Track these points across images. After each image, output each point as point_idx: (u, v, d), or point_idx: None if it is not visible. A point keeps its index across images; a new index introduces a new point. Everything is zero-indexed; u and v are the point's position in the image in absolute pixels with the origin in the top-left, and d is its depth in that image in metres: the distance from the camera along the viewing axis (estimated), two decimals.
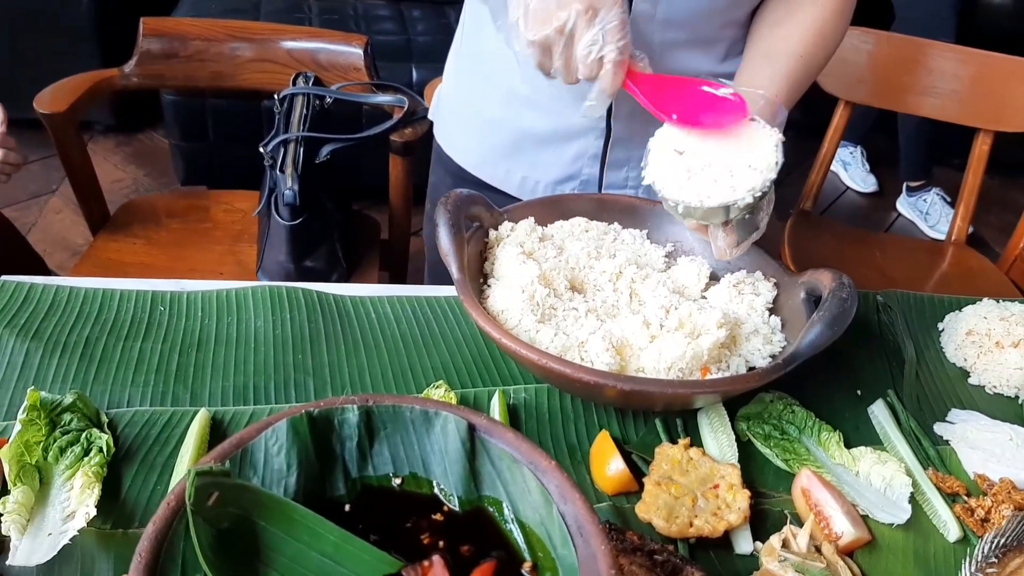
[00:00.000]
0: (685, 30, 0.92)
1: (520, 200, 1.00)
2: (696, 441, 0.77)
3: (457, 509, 0.51)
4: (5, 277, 0.87)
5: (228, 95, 2.02)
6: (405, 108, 1.57)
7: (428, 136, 1.58)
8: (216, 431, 0.72)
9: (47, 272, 1.74)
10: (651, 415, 0.81)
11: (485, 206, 0.91)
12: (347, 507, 0.50)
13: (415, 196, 1.70)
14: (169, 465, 0.69)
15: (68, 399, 0.70)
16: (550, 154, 1.03)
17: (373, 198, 2.06)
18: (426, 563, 0.47)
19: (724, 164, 0.76)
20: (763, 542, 0.69)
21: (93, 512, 0.62)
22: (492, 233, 0.90)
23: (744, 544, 0.70)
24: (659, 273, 0.89)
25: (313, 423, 0.50)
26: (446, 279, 0.81)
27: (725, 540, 0.70)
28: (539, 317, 0.79)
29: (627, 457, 0.74)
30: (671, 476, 0.72)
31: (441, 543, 0.48)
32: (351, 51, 1.68)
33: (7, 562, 0.60)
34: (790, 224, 1.87)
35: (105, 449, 0.67)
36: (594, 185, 1.03)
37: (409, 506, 0.51)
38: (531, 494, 0.50)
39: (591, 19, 0.73)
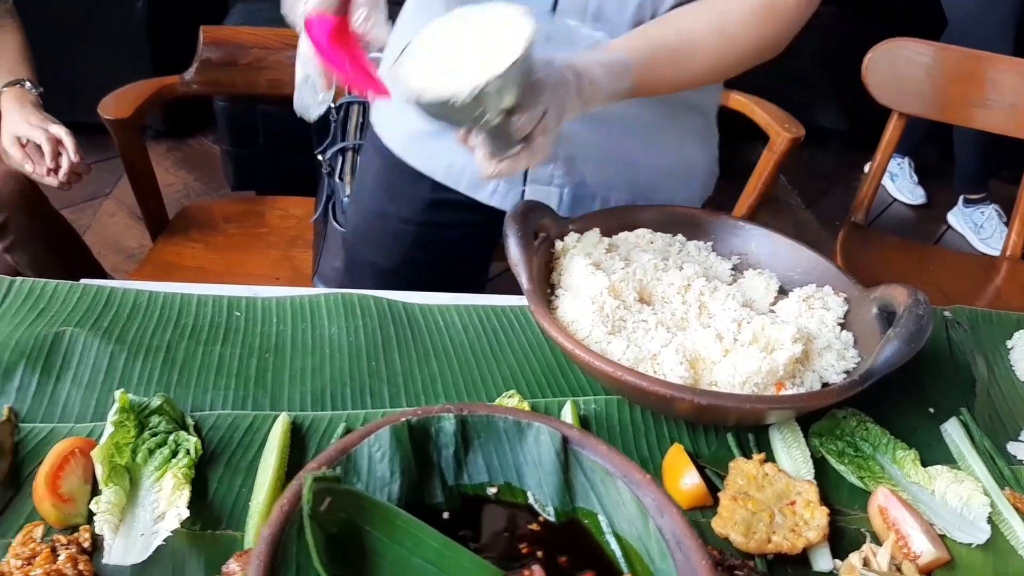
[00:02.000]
0: (611, 25, 0.89)
1: (449, 187, 1.02)
2: (769, 457, 0.77)
3: (553, 519, 0.51)
4: (85, 281, 0.89)
5: (279, 102, 2.05)
6: None
7: None
8: (296, 435, 0.74)
9: (103, 275, 1.78)
10: (722, 429, 0.80)
11: (552, 216, 0.91)
12: (445, 515, 0.51)
13: None
14: (253, 468, 0.70)
15: (155, 402, 0.72)
16: None
17: None
18: (526, 572, 0.47)
19: (471, 59, 0.70)
20: (841, 560, 0.69)
21: (186, 513, 0.63)
22: (558, 244, 0.91)
23: (823, 562, 0.69)
24: (727, 286, 0.89)
25: (411, 431, 0.51)
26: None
27: (803, 557, 0.69)
28: (610, 329, 0.80)
29: (700, 471, 0.74)
30: (747, 491, 0.72)
31: (539, 553, 0.49)
32: None
33: (103, 560, 0.62)
34: (842, 236, 1.85)
35: (193, 451, 0.69)
36: (519, 180, 1.02)
37: (505, 515, 0.51)
38: (626, 507, 0.50)
39: None
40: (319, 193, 1.54)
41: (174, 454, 0.69)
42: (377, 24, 0.73)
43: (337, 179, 1.41)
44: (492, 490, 0.52)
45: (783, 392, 0.76)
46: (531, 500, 0.52)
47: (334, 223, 1.44)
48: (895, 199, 3.05)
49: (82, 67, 2.59)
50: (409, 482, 0.50)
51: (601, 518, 0.51)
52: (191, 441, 0.69)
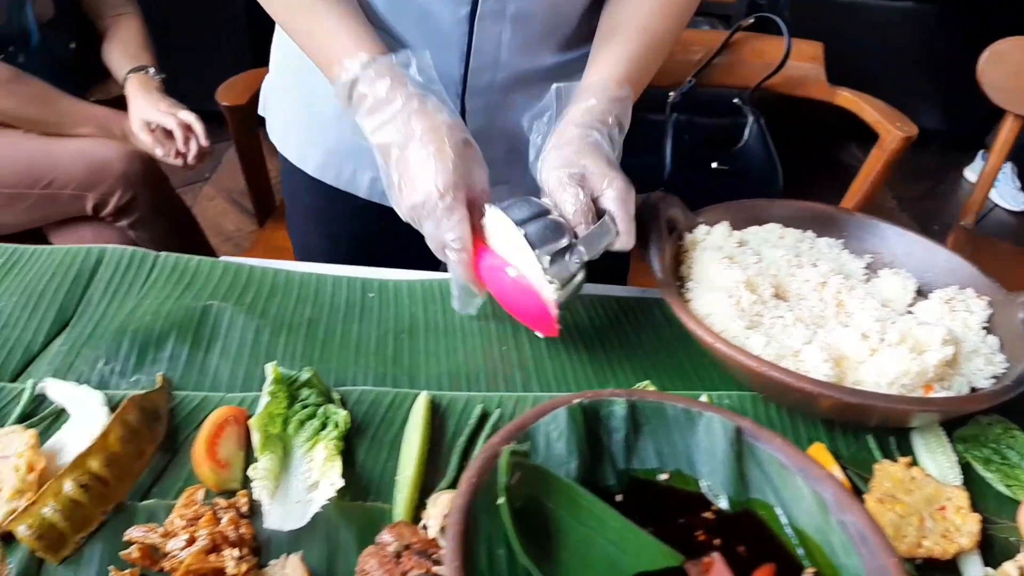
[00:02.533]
0: (538, 22, 0.89)
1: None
2: (913, 461, 0.75)
3: (727, 509, 0.51)
4: (225, 259, 0.93)
5: None
6: None
7: None
8: (434, 414, 0.75)
9: (214, 255, 1.84)
10: (860, 431, 0.79)
11: (681, 208, 0.91)
12: (619, 497, 0.51)
13: None
14: (396, 443, 0.72)
15: (304, 375, 0.74)
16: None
17: None
18: (706, 559, 0.47)
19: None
20: (993, 568, 0.67)
21: (341, 483, 0.65)
22: (687, 236, 0.90)
23: (974, 570, 0.67)
24: (864, 284, 0.87)
25: (584, 413, 0.52)
26: None
27: (952, 564, 0.67)
28: (747, 323, 0.79)
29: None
30: (894, 494, 0.70)
31: (716, 541, 0.49)
32: None
33: (263, 524, 0.64)
34: (952, 241, 1.79)
35: (342, 424, 0.71)
36: None
37: (678, 502, 0.51)
38: (804, 501, 0.49)
39: (425, 215, 0.74)
40: None
41: (323, 426, 0.71)
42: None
43: None
44: (663, 476, 0.52)
45: (932, 395, 0.74)
46: (703, 488, 0.52)
47: None
48: (996, 204, 2.94)
49: (184, 56, 2.68)
50: (583, 463, 0.51)
51: (778, 511, 0.50)
52: (340, 414, 0.71)
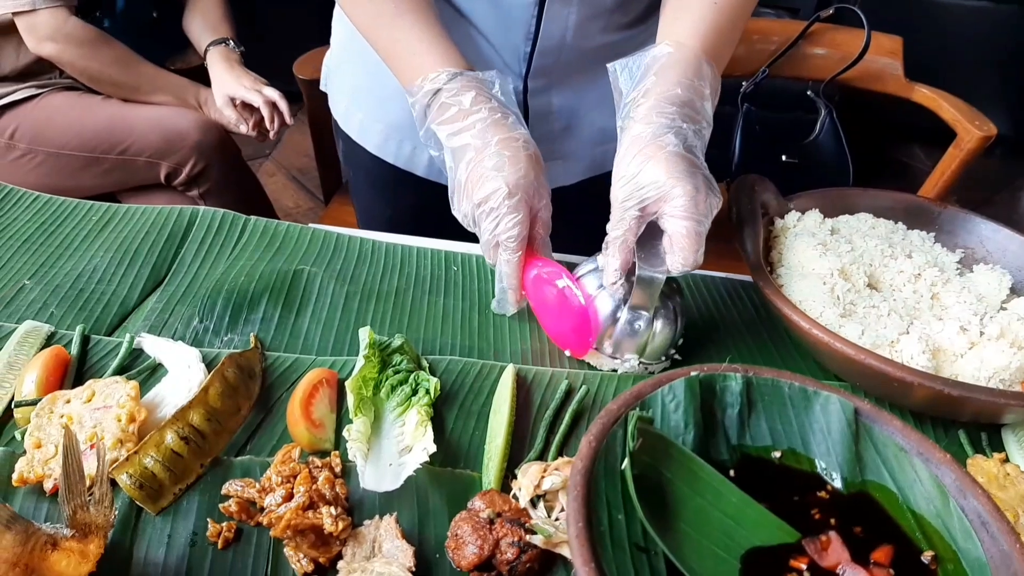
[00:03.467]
0: (605, 4, 0.87)
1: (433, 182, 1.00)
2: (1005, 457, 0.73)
3: (842, 490, 0.50)
4: (314, 225, 0.94)
5: None
6: None
7: None
8: (520, 387, 0.75)
9: None
10: (950, 426, 0.77)
11: (774, 194, 0.90)
12: (732, 472, 0.51)
13: None
14: (484, 413, 0.72)
15: (397, 341, 0.75)
16: None
17: None
18: (824, 538, 0.46)
19: None
20: None
21: (433, 448, 0.65)
22: (778, 222, 0.89)
23: None
24: (959, 278, 0.85)
25: (700, 386, 0.51)
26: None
27: None
28: (841, 311, 0.78)
29: None
30: (989, 491, 0.68)
31: (832, 520, 0.48)
32: None
33: (360, 485, 0.65)
34: None
35: (432, 391, 0.71)
36: None
37: (791, 480, 0.51)
38: (922, 484, 0.49)
39: (486, 212, 0.73)
40: None
41: (414, 392, 0.72)
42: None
43: None
44: (776, 454, 0.52)
45: None
46: (818, 468, 0.51)
47: None
48: None
49: (261, 31, 2.71)
50: (698, 435, 0.50)
51: (895, 493, 0.49)
52: (431, 381, 0.72)
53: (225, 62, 1.56)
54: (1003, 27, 2.88)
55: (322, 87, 1.16)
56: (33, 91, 1.56)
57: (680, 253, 0.70)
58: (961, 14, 2.80)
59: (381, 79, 0.97)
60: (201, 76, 1.62)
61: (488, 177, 0.73)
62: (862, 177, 1.77)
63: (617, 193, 0.71)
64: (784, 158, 1.71)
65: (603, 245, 0.74)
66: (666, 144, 0.69)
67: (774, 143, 1.72)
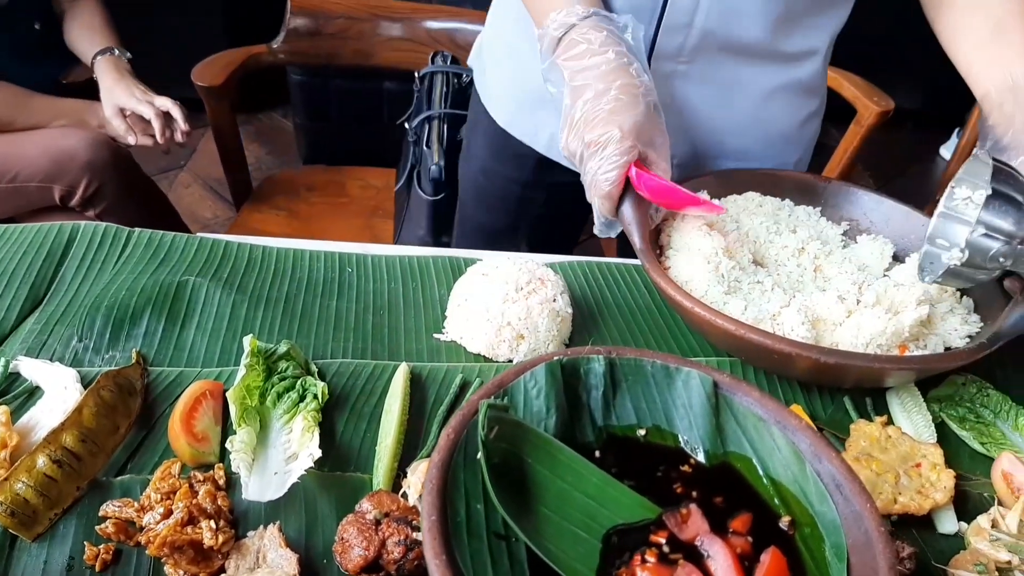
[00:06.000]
0: (730, 38, 0.89)
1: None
2: (889, 421, 0.76)
3: (704, 462, 0.51)
4: (200, 234, 0.91)
5: (351, 75, 2.07)
6: None
7: None
8: (414, 385, 0.75)
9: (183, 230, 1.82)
10: (836, 392, 0.79)
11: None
12: (597, 453, 0.51)
13: None
14: (376, 414, 0.72)
15: (282, 348, 0.74)
16: None
17: None
18: (683, 511, 0.47)
19: None
20: (967, 523, 0.68)
21: (319, 454, 0.64)
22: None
23: (948, 524, 0.68)
24: (841, 250, 0.87)
25: (563, 370, 0.51)
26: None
27: (927, 519, 0.68)
28: (726, 289, 0.79)
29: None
30: (870, 453, 0.71)
31: (694, 493, 0.49)
32: None
33: (243, 496, 0.63)
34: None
35: (320, 396, 0.70)
36: None
37: (656, 456, 0.51)
38: (780, 452, 0.50)
39: (595, 151, 0.76)
40: (402, 162, 1.55)
41: (302, 398, 0.71)
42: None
43: (424, 147, 1.42)
44: (641, 432, 0.52)
45: (907, 354, 0.74)
46: (681, 443, 0.52)
47: (419, 191, 1.45)
48: None
49: (158, 39, 2.64)
50: (562, 419, 0.51)
51: (755, 462, 0.50)
52: (319, 386, 0.71)
53: (115, 72, 1.51)
54: (902, 3, 2.98)
55: (470, 62, 1.18)
56: None
57: None
58: None
59: (519, 51, 1.02)
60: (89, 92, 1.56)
61: (603, 120, 0.74)
62: None
63: None
64: None
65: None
66: None
67: None
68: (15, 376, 0.73)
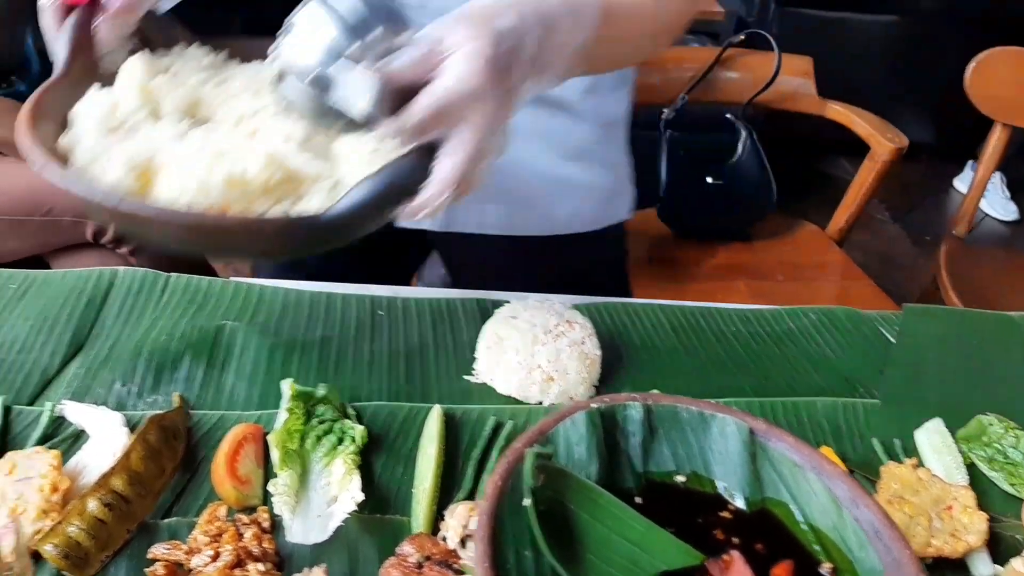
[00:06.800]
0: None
1: None
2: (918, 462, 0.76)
3: (744, 508, 0.52)
4: (235, 279, 0.94)
5: None
6: None
7: None
8: (448, 427, 0.76)
9: (213, 273, 1.85)
10: (864, 434, 0.80)
11: (157, 22, 0.77)
12: (637, 499, 0.52)
13: None
14: (411, 456, 0.73)
15: (321, 391, 0.75)
16: None
17: None
18: (726, 557, 0.48)
19: None
20: (1001, 565, 0.68)
21: (361, 497, 0.66)
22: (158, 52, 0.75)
23: (983, 567, 0.68)
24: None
25: (602, 417, 0.53)
26: None
27: (961, 563, 0.69)
28: (109, 129, 0.66)
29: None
30: (903, 496, 0.71)
31: (735, 540, 0.50)
32: None
33: (287, 538, 0.65)
34: (944, 251, 1.82)
35: (359, 439, 0.72)
36: None
37: (696, 503, 0.53)
38: (818, 497, 0.51)
39: None
40: None
41: (340, 441, 0.72)
42: None
43: None
44: (680, 478, 0.54)
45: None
46: (720, 489, 0.53)
47: None
48: (986, 214, 2.98)
49: None
50: (603, 466, 0.52)
51: (793, 508, 0.51)
52: (357, 429, 0.72)
53: None
54: (912, 39, 3.02)
55: None
56: None
57: (411, 107, 0.56)
58: (869, 29, 2.93)
59: None
60: None
61: None
62: (787, 192, 1.84)
63: (420, 33, 0.58)
64: (709, 180, 1.76)
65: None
66: (502, 18, 0.56)
67: (699, 166, 1.78)
68: (60, 420, 0.75)
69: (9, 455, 0.68)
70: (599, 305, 0.94)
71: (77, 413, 0.75)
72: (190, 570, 0.62)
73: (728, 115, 1.81)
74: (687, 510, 0.52)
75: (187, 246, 0.67)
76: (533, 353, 0.79)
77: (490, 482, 0.47)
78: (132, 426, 0.73)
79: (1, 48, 1.50)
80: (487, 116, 0.56)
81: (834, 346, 0.91)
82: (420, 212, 0.59)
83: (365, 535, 0.66)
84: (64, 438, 0.73)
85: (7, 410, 0.75)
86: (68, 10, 0.70)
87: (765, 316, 0.94)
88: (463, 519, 0.65)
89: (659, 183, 1.75)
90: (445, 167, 0.57)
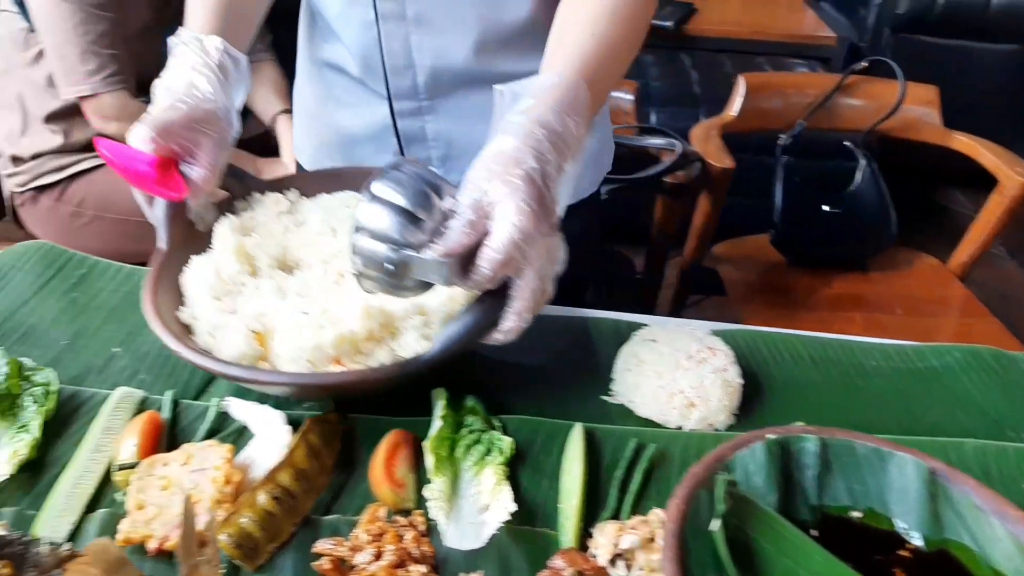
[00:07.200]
0: (441, 25, 0.91)
1: None
2: None
3: (923, 548, 0.52)
4: None
5: None
6: (677, 151, 1.62)
7: (700, 179, 1.62)
8: (589, 444, 0.77)
9: None
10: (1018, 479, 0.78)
11: (234, 175, 0.89)
12: (814, 532, 0.53)
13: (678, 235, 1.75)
14: (555, 471, 0.75)
15: (469, 402, 0.78)
16: (360, 150, 1.07)
17: (621, 235, 2.12)
18: None
19: None
20: None
21: (513, 507, 0.68)
22: (239, 204, 0.89)
23: None
24: None
25: (779, 449, 0.54)
26: None
27: None
28: (216, 294, 0.78)
29: None
30: None
31: None
32: (622, 96, 1.75)
33: (444, 543, 0.67)
34: None
35: (507, 451, 0.74)
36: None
37: (872, 539, 0.52)
38: (1001, 543, 0.50)
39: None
40: None
41: (488, 451, 0.75)
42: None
43: None
44: (855, 513, 0.54)
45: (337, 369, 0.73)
46: (897, 527, 0.53)
47: None
48: None
49: None
50: (780, 497, 0.53)
51: (975, 551, 0.51)
52: (505, 441, 0.75)
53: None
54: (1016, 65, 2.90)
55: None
56: (98, 161, 1.64)
57: (479, 264, 0.65)
58: (995, 60, 2.82)
59: (310, 105, 1.13)
60: (262, 144, 1.69)
61: (140, 120, 0.78)
62: (905, 224, 1.79)
63: (462, 196, 0.66)
64: (826, 208, 1.74)
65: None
66: (525, 162, 0.65)
67: (814, 193, 1.75)
68: (225, 416, 0.80)
69: (185, 446, 0.73)
70: (736, 332, 0.94)
71: (240, 410, 0.79)
72: (353, 566, 0.65)
73: (847, 143, 1.78)
74: (864, 546, 0.52)
75: (310, 398, 0.79)
76: (675, 378, 0.80)
77: (673, 504, 0.48)
78: (292, 425, 0.77)
79: (145, 58, 1.60)
80: (541, 247, 0.65)
81: (980, 386, 0.89)
82: (505, 338, 0.69)
83: (516, 545, 0.68)
84: (228, 433, 0.78)
85: (176, 403, 0.80)
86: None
87: (907, 352, 0.93)
88: (612, 537, 0.66)
89: (773, 209, 1.73)
90: (519, 299, 0.67)
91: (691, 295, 1.89)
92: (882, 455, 0.54)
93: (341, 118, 1.08)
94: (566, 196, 0.70)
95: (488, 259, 0.64)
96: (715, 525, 0.46)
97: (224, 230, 0.83)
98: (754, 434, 0.53)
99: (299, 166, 1.20)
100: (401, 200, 0.65)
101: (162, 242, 0.82)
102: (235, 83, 0.86)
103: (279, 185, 0.90)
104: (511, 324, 0.68)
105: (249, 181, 0.90)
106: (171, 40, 0.86)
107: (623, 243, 2.07)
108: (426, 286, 0.70)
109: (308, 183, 0.92)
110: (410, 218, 0.65)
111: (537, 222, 0.64)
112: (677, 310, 1.83)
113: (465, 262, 0.65)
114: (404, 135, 1.03)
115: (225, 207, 0.87)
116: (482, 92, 0.96)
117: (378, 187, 0.66)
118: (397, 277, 0.67)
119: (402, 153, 1.04)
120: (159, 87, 0.83)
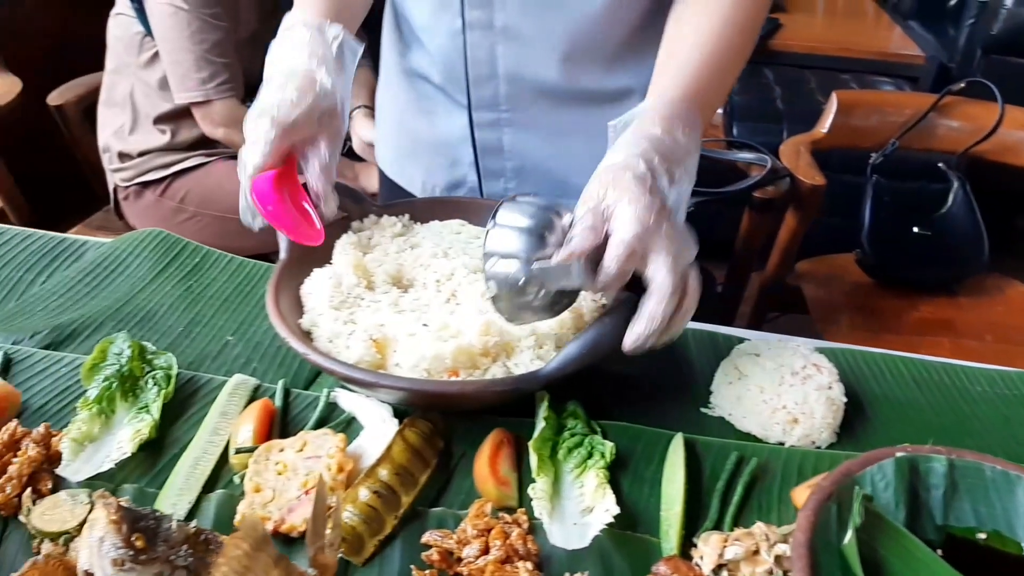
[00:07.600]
0: (529, 37, 0.91)
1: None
2: None
3: None
4: None
5: None
6: (767, 166, 1.61)
7: (788, 195, 1.61)
8: (689, 455, 0.78)
9: None
10: None
11: (352, 197, 0.92)
12: (939, 552, 0.52)
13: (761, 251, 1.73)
14: (656, 479, 0.75)
15: (570, 406, 0.79)
16: (437, 159, 1.09)
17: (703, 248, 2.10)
18: None
19: None
20: None
21: (617, 510, 0.69)
22: (354, 224, 0.92)
23: None
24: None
25: (907, 466, 0.53)
26: None
27: None
28: (335, 304, 0.81)
29: None
30: None
31: None
32: None
33: (549, 541, 0.69)
34: None
35: (608, 455, 0.75)
36: (477, 192, 1.07)
37: (999, 562, 0.52)
38: None
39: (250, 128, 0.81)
40: None
41: (590, 455, 0.76)
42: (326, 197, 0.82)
43: None
44: (981, 536, 0.53)
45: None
46: None
47: None
48: None
49: None
50: (907, 515, 0.52)
51: None
52: (607, 445, 0.75)
53: (368, 120, 1.68)
54: None
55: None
56: (201, 159, 1.71)
57: (598, 282, 0.69)
58: None
59: (391, 112, 1.15)
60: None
61: (262, 100, 0.80)
62: (997, 248, 1.74)
63: (580, 207, 0.71)
64: (916, 230, 1.70)
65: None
66: (634, 167, 0.69)
67: (905, 214, 1.72)
68: (333, 406, 0.82)
69: (301, 434, 0.76)
70: (838, 350, 0.93)
71: (349, 401, 0.82)
72: (460, 559, 0.67)
73: (940, 164, 1.74)
74: (990, 569, 0.51)
75: (427, 406, 0.80)
76: (779, 393, 0.80)
77: (803, 515, 0.49)
78: (399, 418, 0.79)
79: (253, 65, 1.66)
80: (665, 240, 0.68)
81: None
82: (634, 344, 0.70)
83: (617, 549, 0.69)
84: (337, 423, 0.80)
85: (287, 392, 0.83)
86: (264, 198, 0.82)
87: (1012, 378, 0.91)
88: (717, 548, 0.67)
89: (861, 229, 1.70)
90: (653, 296, 0.69)
91: (772, 311, 1.87)
92: (1010, 479, 0.53)
93: (419, 126, 1.10)
94: (684, 203, 0.72)
95: (612, 256, 0.67)
96: (848, 538, 0.46)
97: (345, 244, 0.87)
98: (883, 451, 0.53)
99: (384, 176, 1.23)
100: (526, 223, 0.71)
101: (283, 252, 0.86)
102: (348, 76, 0.88)
103: (394, 209, 0.95)
104: (641, 328, 0.69)
105: (366, 204, 0.94)
106: (288, 18, 0.87)
107: (703, 256, 2.06)
108: (558, 306, 0.74)
109: (419, 209, 0.97)
110: (536, 237, 0.70)
111: (654, 215, 0.67)
112: (755, 325, 1.81)
113: (593, 265, 0.68)
114: (481, 146, 1.05)
115: (343, 225, 0.92)
116: (562, 106, 0.99)
117: (503, 215, 0.72)
118: (530, 295, 0.71)
119: (477, 164, 1.07)
120: (275, 67, 0.84)
